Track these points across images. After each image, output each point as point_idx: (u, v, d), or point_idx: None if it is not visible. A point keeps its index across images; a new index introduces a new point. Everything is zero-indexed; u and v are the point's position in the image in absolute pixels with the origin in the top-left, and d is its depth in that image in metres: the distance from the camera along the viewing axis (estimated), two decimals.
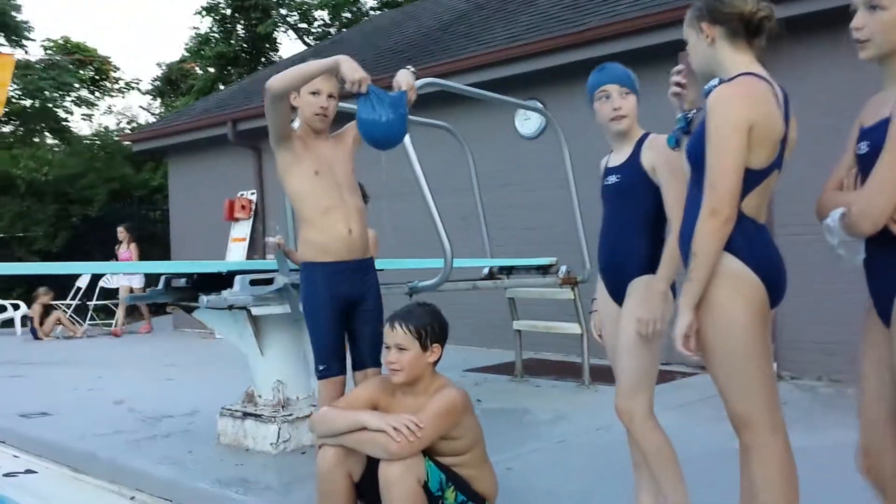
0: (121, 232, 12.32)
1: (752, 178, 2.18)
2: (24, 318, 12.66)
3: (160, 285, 4.59)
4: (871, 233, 2.05)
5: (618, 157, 2.88)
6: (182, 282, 4.58)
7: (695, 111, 2.47)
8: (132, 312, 13.06)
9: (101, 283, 12.88)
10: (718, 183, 2.12)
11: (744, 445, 2.25)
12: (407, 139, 4.43)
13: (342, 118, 3.70)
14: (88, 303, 12.65)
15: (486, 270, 6.33)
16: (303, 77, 3.21)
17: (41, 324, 11.64)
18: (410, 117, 3.21)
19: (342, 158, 3.47)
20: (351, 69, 3.05)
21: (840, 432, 4.39)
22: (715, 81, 2.25)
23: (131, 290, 11.51)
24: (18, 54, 18.66)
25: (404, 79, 3.18)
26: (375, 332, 3.51)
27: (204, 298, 4.18)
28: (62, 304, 12.15)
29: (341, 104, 3.68)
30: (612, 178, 2.88)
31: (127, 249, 12.14)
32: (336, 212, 3.34)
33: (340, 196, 3.37)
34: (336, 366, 3.36)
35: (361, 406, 2.89)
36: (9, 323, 12.53)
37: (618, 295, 2.83)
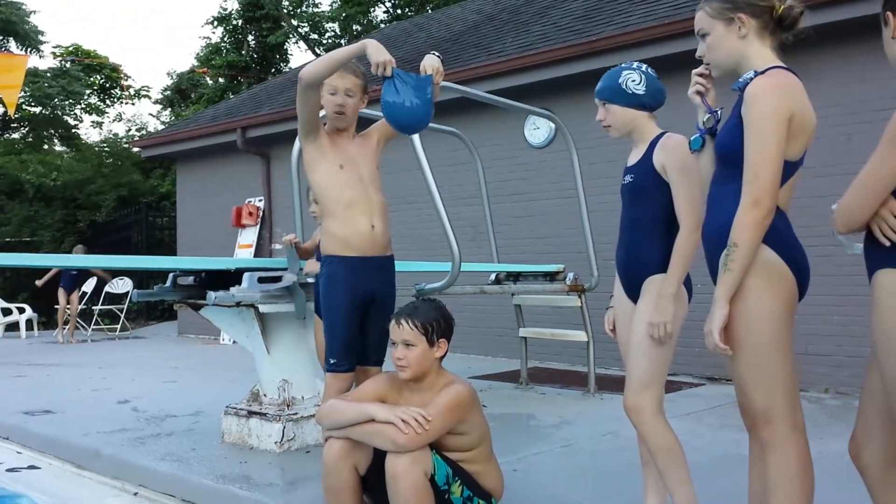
0: None
1: (786, 170, 2.18)
2: (29, 322, 12.69)
3: (168, 283, 4.59)
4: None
5: (634, 157, 2.88)
6: (190, 279, 4.59)
7: (720, 109, 2.45)
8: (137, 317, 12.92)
9: (106, 288, 12.91)
10: (761, 173, 2.11)
11: (762, 441, 2.21)
12: (418, 146, 4.44)
13: (364, 122, 3.72)
14: (94, 307, 12.67)
15: (493, 276, 6.32)
16: (334, 63, 3.23)
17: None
18: None
19: (367, 155, 3.48)
20: (376, 51, 3.07)
21: (845, 443, 4.35)
22: (750, 74, 2.24)
23: None
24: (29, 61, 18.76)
25: (430, 63, 3.17)
26: (384, 330, 3.50)
27: (212, 295, 4.17)
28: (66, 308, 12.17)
29: (363, 111, 3.68)
30: (628, 178, 2.88)
31: None
32: (359, 206, 3.34)
33: (364, 190, 3.38)
34: (347, 362, 3.35)
35: (369, 401, 2.87)
36: (14, 326, 12.56)
37: (633, 292, 2.82)
